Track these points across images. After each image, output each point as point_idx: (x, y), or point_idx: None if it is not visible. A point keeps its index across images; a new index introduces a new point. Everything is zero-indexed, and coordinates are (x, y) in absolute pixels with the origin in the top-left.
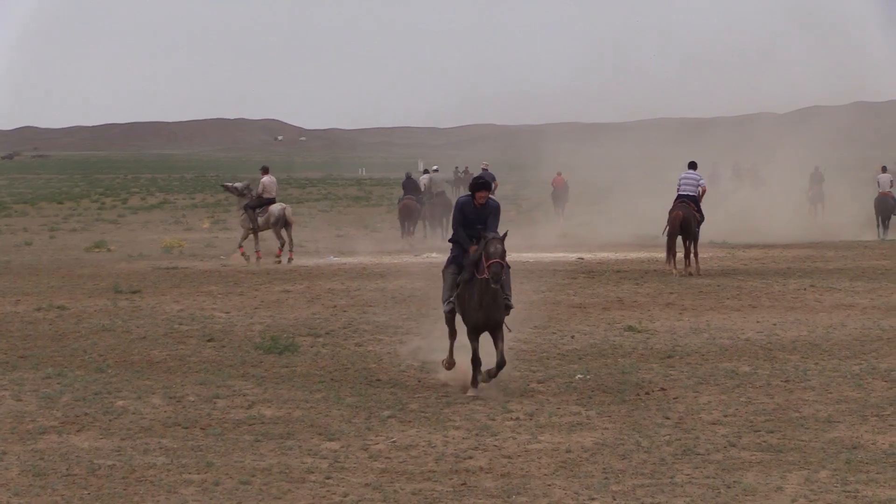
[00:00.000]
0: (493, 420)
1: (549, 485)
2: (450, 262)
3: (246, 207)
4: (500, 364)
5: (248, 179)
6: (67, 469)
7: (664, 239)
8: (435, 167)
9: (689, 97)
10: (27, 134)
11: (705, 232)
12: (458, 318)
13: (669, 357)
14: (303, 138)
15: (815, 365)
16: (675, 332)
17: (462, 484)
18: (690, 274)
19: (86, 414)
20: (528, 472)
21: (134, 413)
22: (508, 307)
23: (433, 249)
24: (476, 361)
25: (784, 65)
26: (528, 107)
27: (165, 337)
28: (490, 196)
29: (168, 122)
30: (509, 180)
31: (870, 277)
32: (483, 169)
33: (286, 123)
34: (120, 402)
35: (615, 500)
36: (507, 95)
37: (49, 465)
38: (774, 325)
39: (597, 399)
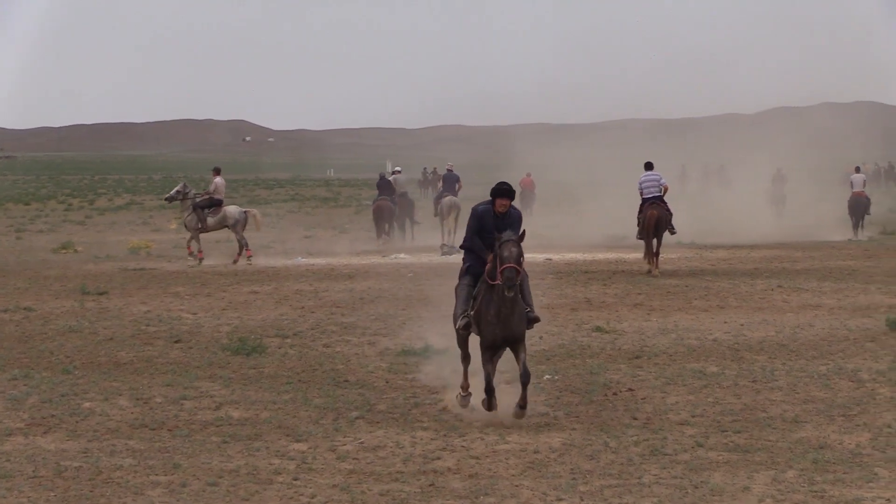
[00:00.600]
0: (461, 421)
1: (517, 485)
2: (463, 273)
3: (195, 207)
4: (524, 377)
5: (184, 180)
6: (34, 471)
7: (634, 240)
8: (397, 168)
9: (660, 99)
10: None
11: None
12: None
13: (637, 358)
14: (271, 139)
15: (782, 365)
16: (643, 332)
17: (430, 485)
18: (658, 274)
19: (52, 416)
20: (496, 472)
21: (101, 415)
22: (532, 320)
23: (401, 251)
24: (490, 390)
25: (754, 66)
26: (497, 108)
27: (133, 338)
28: (512, 205)
29: (136, 123)
30: (478, 181)
31: (837, 278)
32: (448, 169)
33: (254, 124)
34: (87, 404)
35: (583, 500)
36: (476, 96)
37: (15, 467)
38: (742, 325)
39: (565, 399)
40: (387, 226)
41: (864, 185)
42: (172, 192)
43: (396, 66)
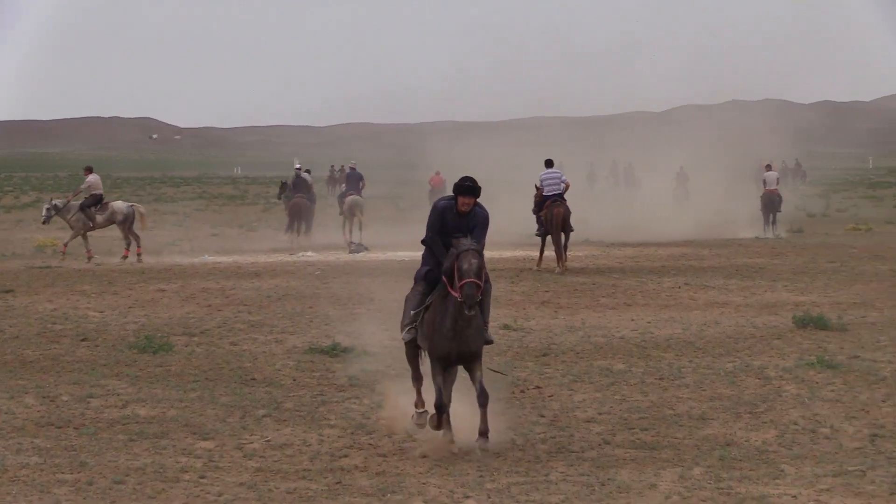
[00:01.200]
0: (368, 419)
1: (424, 483)
2: (419, 278)
3: (81, 208)
4: (482, 397)
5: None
6: None
7: (538, 239)
8: (297, 166)
9: (568, 96)
10: None
11: (582, 231)
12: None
13: (545, 355)
14: (178, 137)
15: (689, 362)
16: (551, 330)
17: (337, 482)
18: (565, 271)
19: None
20: (403, 470)
21: (6, 413)
22: (486, 340)
23: (307, 249)
24: (441, 407)
25: (658, 63)
26: (404, 105)
27: (38, 336)
28: (478, 203)
29: (42, 121)
30: (385, 179)
31: (743, 275)
32: (351, 168)
33: (161, 122)
34: None
35: (490, 497)
36: (383, 94)
37: None
38: (649, 323)
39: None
40: (303, 224)
41: (778, 183)
42: (44, 214)
43: (304, 63)
